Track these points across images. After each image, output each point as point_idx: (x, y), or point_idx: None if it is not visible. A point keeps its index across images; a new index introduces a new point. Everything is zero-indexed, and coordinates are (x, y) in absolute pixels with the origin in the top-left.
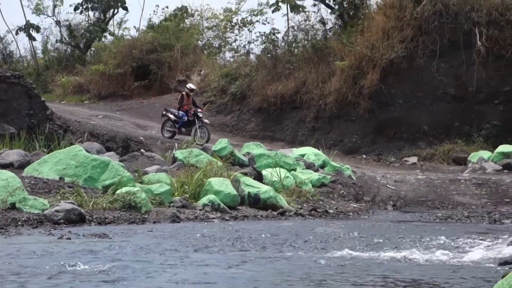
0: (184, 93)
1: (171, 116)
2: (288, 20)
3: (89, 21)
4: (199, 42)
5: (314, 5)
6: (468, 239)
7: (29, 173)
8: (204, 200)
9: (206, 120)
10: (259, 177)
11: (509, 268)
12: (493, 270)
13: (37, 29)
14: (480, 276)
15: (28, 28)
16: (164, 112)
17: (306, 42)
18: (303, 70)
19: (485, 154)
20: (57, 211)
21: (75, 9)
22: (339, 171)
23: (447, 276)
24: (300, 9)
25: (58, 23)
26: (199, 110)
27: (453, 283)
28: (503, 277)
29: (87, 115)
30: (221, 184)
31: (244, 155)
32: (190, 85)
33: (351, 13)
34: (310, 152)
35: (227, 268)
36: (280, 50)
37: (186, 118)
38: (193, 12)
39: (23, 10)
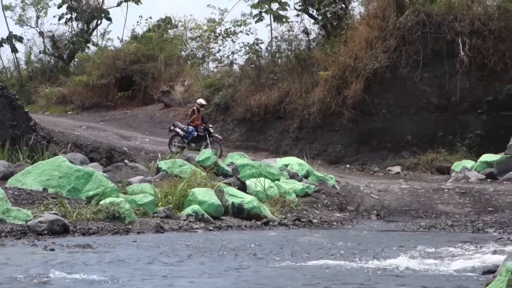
0: (194, 108)
1: (180, 131)
2: (271, 30)
3: (73, 32)
4: (183, 52)
5: (297, 15)
6: (452, 248)
7: (12, 184)
8: (188, 210)
9: (218, 135)
10: (243, 187)
11: (492, 276)
12: (477, 279)
13: (20, 40)
14: (463, 285)
15: (11, 39)
16: (171, 127)
17: (289, 52)
18: (286, 80)
19: (468, 163)
20: (40, 222)
21: (59, 19)
22: (323, 181)
23: (431, 285)
24: (283, 20)
25: (41, 34)
26: (210, 125)
27: None
28: (486, 285)
29: (71, 126)
30: (205, 194)
31: (228, 165)
32: (200, 101)
33: (334, 24)
34: (294, 162)
35: (211, 278)
36: (264, 61)
37: (195, 133)
38: (176, 22)
39: (6, 21)
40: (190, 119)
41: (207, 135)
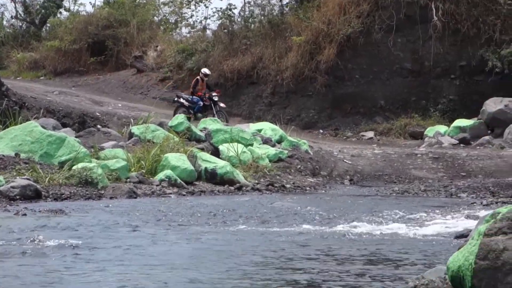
0: (198, 77)
1: (185, 102)
2: None
3: None
4: (155, 17)
5: None
6: (425, 212)
7: None
8: (161, 175)
9: (222, 104)
10: (216, 153)
11: (464, 241)
12: (450, 243)
13: None
14: (436, 249)
15: None
16: (175, 98)
17: (262, 17)
18: (259, 46)
19: (442, 128)
20: (12, 187)
21: None
22: (296, 146)
23: (404, 249)
24: None
25: None
26: (213, 93)
27: (410, 256)
28: (458, 249)
29: (43, 91)
30: (178, 160)
31: (201, 130)
32: (204, 70)
33: None
34: (267, 127)
35: (183, 243)
36: (237, 26)
37: (201, 103)
38: None
39: None
40: (194, 89)
41: (212, 104)
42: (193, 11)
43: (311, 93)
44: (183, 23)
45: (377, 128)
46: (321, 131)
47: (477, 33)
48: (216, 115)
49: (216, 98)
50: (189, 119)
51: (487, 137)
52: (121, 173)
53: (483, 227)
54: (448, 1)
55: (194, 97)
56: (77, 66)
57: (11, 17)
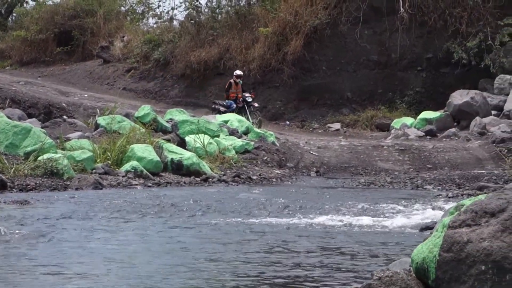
0: (231, 80)
1: (221, 108)
2: None
3: None
4: (122, 8)
5: None
6: (391, 204)
7: None
8: (127, 166)
9: (256, 104)
10: (182, 144)
11: (430, 233)
12: (415, 235)
13: None
14: (401, 241)
15: None
16: (213, 106)
17: (229, 8)
18: (226, 37)
19: (408, 120)
20: None
21: None
22: (263, 137)
23: (370, 241)
24: None
25: None
26: (246, 94)
27: (375, 248)
28: (423, 241)
29: (9, 81)
30: (144, 151)
31: (167, 121)
32: (236, 72)
33: None
34: (234, 119)
35: (148, 234)
36: (204, 16)
37: (234, 106)
38: None
39: None
40: (227, 92)
41: (245, 106)
42: (160, 1)
43: (278, 85)
44: (150, 13)
45: (343, 120)
46: (287, 122)
47: (444, 26)
48: (249, 117)
49: (249, 100)
50: None
51: (453, 129)
52: (87, 164)
53: (447, 219)
54: None
55: (228, 100)
56: (43, 56)
57: None
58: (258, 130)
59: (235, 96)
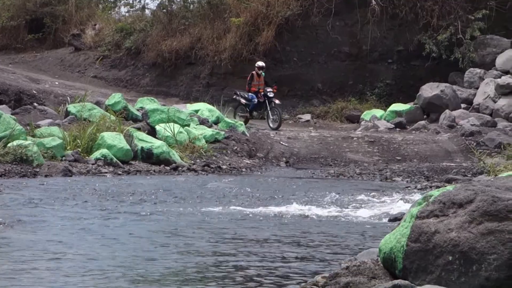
0: (253, 72)
1: (242, 100)
2: None
3: None
4: None
5: None
6: (360, 196)
7: None
8: (97, 154)
9: (277, 101)
10: (152, 132)
11: (398, 224)
12: (383, 226)
13: None
14: (370, 231)
15: None
16: (234, 96)
17: None
18: (198, 26)
19: (378, 112)
20: None
21: None
22: (233, 127)
23: (338, 231)
24: None
25: None
26: (268, 89)
27: (343, 238)
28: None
29: None
30: (114, 139)
31: (138, 110)
32: (258, 63)
33: None
34: (204, 108)
35: (117, 222)
36: (176, 6)
37: (256, 100)
38: None
39: None
40: (248, 85)
41: (266, 101)
42: None
43: (249, 75)
44: (122, 2)
45: (314, 111)
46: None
47: (415, 18)
48: (270, 113)
49: (271, 95)
50: (247, 119)
51: (422, 122)
52: (57, 151)
53: (415, 209)
54: None
55: (250, 93)
56: (14, 43)
57: None
58: (229, 120)
59: (257, 89)
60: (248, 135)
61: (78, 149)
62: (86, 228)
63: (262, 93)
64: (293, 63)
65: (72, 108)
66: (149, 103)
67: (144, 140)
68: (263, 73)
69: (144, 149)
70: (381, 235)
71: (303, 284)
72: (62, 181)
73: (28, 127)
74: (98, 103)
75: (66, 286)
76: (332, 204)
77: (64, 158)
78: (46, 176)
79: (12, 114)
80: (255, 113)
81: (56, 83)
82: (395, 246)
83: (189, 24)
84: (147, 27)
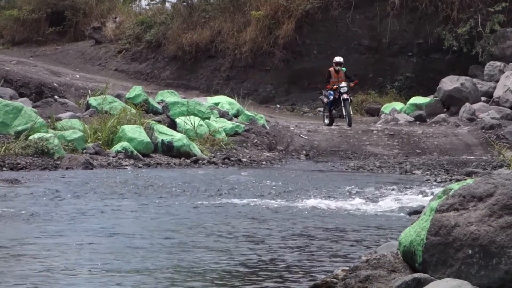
0: (330, 69)
1: (324, 99)
2: None
3: None
4: None
5: None
6: (380, 189)
7: None
8: (117, 147)
9: (345, 96)
10: (172, 125)
11: (417, 217)
12: (403, 219)
13: None
14: (389, 225)
15: None
16: (320, 96)
17: None
18: (218, 19)
19: (398, 105)
20: None
21: None
22: (253, 120)
23: (358, 224)
24: None
25: None
26: (341, 84)
27: (363, 231)
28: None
29: (1, 60)
30: (135, 131)
31: (158, 102)
32: (335, 59)
33: None
34: (224, 101)
35: (137, 215)
36: None
37: (332, 97)
38: None
39: None
40: (327, 82)
41: (341, 98)
42: None
43: (269, 68)
44: None
45: None
46: (278, 106)
47: (435, 11)
48: (343, 110)
49: (343, 90)
50: (331, 119)
51: (442, 115)
52: (78, 144)
53: (435, 203)
54: None
55: (329, 91)
56: (36, 36)
57: None
58: (249, 113)
59: (336, 86)
60: (268, 128)
61: (99, 141)
62: (106, 220)
63: (335, 88)
64: (313, 56)
65: (92, 101)
66: (169, 96)
67: (164, 133)
68: (343, 69)
69: (164, 142)
70: (400, 228)
71: (323, 277)
72: (83, 174)
73: (49, 120)
74: (118, 96)
75: (78, 283)
76: (352, 197)
77: (85, 150)
78: (67, 168)
79: (33, 107)
80: (334, 112)
81: (77, 76)
82: (415, 240)
83: (209, 17)
84: (168, 20)
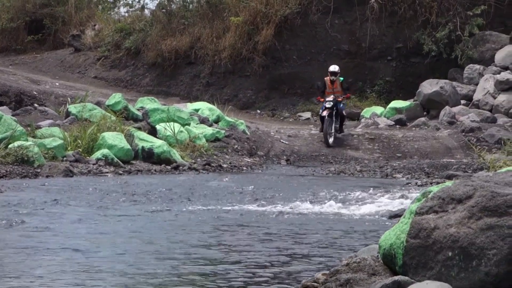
0: (326, 78)
1: (322, 113)
2: None
3: None
4: None
5: None
6: (360, 193)
7: None
8: (98, 154)
9: (325, 114)
10: (153, 132)
11: (398, 221)
12: (384, 222)
13: None
14: (371, 228)
15: None
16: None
17: None
18: (197, 26)
19: (378, 109)
20: None
21: None
22: (233, 126)
23: (339, 228)
24: None
25: None
26: (328, 98)
27: (344, 235)
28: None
29: None
30: (115, 139)
31: (138, 109)
32: (330, 68)
33: None
34: (204, 107)
35: (118, 222)
36: (175, 5)
37: (324, 108)
38: None
39: None
40: (321, 93)
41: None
42: None
43: (249, 74)
44: (121, 2)
45: (314, 108)
46: (258, 111)
47: (414, 15)
48: (333, 123)
49: (327, 105)
50: (333, 135)
51: (422, 119)
52: (58, 151)
53: (415, 205)
54: None
55: (323, 104)
56: (15, 44)
57: None
58: (229, 119)
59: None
60: (248, 133)
61: (79, 149)
62: (87, 227)
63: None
64: (292, 62)
65: (72, 108)
66: (149, 103)
67: (144, 140)
68: (340, 78)
69: (145, 148)
70: (381, 232)
71: (303, 281)
72: (63, 182)
73: (29, 128)
74: (98, 104)
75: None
76: (333, 202)
77: (65, 158)
78: (47, 176)
79: (12, 115)
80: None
81: (57, 84)
82: (395, 243)
83: (188, 23)
84: (147, 27)
